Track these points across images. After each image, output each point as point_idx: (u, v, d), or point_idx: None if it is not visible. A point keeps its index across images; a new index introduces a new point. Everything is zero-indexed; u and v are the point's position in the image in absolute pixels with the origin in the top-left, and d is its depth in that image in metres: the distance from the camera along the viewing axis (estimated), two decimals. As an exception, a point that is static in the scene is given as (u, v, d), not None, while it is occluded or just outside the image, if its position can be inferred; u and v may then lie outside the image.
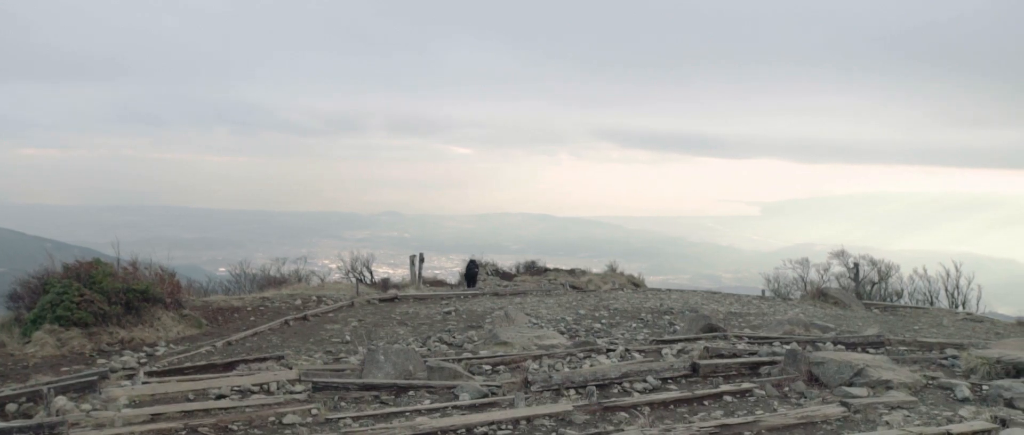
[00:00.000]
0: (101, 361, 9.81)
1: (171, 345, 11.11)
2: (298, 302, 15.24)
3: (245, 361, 9.38)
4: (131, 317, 11.52)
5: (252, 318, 13.66)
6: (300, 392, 7.53)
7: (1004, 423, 5.86)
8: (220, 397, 7.44)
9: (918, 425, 5.98)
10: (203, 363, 9.25)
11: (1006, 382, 7.26)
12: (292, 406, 6.86)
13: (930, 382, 7.60)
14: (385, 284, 23.13)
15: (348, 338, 11.71)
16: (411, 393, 7.45)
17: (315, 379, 7.68)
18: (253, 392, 7.63)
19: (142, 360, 9.97)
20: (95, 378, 7.86)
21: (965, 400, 6.91)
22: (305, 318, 13.46)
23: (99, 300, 11.06)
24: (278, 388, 7.72)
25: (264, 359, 9.54)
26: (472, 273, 21.14)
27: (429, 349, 10.66)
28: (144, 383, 7.90)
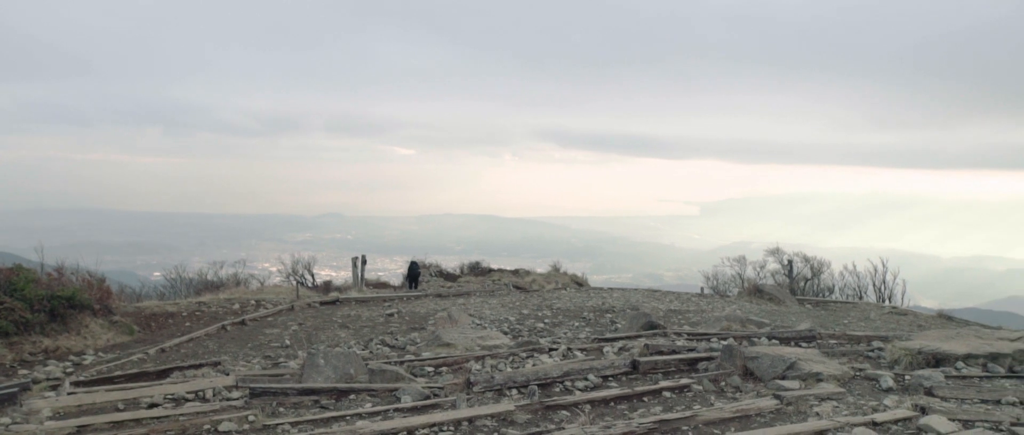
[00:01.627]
0: (23, 372, 9.37)
1: (100, 353, 10.70)
2: (236, 306, 14.88)
3: (179, 368, 9.10)
4: (56, 325, 11.04)
5: (188, 324, 13.28)
6: (237, 399, 7.35)
7: (924, 411, 6.14)
8: (152, 406, 7.19)
9: (846, 415, 6.20)
10: (135, 371, 8.94)
11: (926, 372, 7.61)
12: (228, 413, 6.68)
13: (857, 373, 7.90)
14: (327, 287, 22.79)
15: (288, 342, 11.49)
16: (352, 397, 7.35)
17: (253, 385, 7.50)
18: (188, 400, 7.41)
19: (68, 370, 9.57)
20: (16, 390, 7.50)
21: (889, 390, 7.21)
22: (243, 322, 13.15)
23: (21, 308, 10.56)
24: (214, 395, 7.51)
25: (200, 366, 9.28)
26: (414, 274, 21.25)
27: (371, 352, 10.55)
28: (70, 393, 7.58)
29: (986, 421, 5.80)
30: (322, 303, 15.97)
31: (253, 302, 15.42)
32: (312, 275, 25.98)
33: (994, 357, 8.11)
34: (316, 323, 13.32)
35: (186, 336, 11.73)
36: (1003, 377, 7.66)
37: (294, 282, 23.02)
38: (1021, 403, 6.56)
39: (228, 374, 8.58)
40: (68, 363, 9.95)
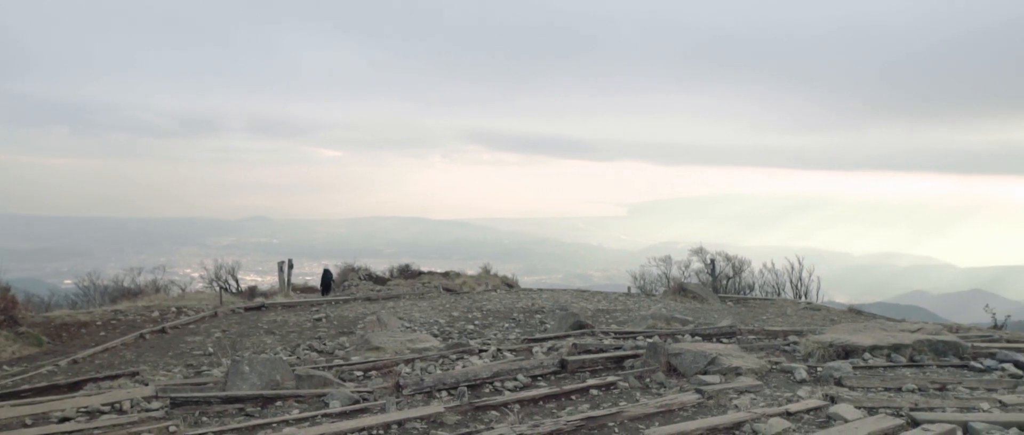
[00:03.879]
0: (-80, 388, 8.79)
1: (4, 367, 10.14)
2: (155, 314, 14.33)
3: (94, 380, 8.72)
4: (-44, 337, 10.40)
5: (103, 333, 12.71)
6: (157, 409, 7.10)
7: (833, 400, 6.50)
8: (64, 420, 6.86)
9: (763, 407, 6.50)
10: (44, 384, 8.50)
11: (836, 363, 8.04)
12: (147, 425, 6.45)
13: (774, 367, 8.27)
14: (252, 292, 22.25)
15: (211, 350, 11.16)
16: (278, 403, 7.22)
17: (173, 394, 7.27)
18: (103, 413, 7.11)
19: (-30, 384, 9.03)
20: (-88, 407, 7.05)
21: (803, 381, 7.57)
22: (163, 331, 12.69)
23: (-84, 320, 9.91)
24: (132, 406, 7.23)
25: (116, 376, 8.91)
26: (327, 282, 21.43)
27: (298, 357, 10.36)
28: (-27, 409, 7.16)
29: (888, 407, 6.18)
30: (247, 309, 15.55)
31: (174, 309, 14.89)
32: (236, 281, 25.28)
33: (896, 348, 8.63)
34: (241, 330, 12.98)
35: (101, 346, 11.24)
36: (904, 366, 8.17)
37: (217, 288, 22.34)
38: (920, 390, 7.02)
39: (147, 384, 8.28)
40: (-30, 378, 9.40)
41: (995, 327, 13.88)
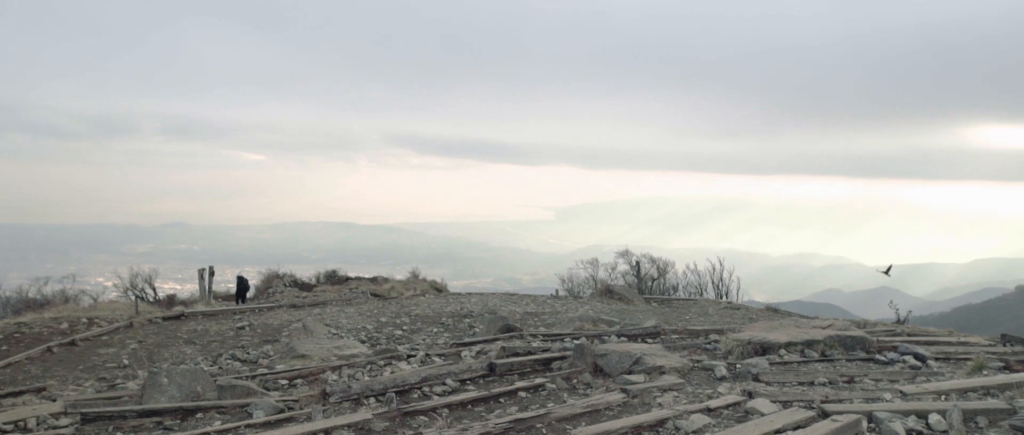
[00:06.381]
0: None
1: None
2: (64, 326, 13.61)
3: (-5, 397, 8.23)
4: None
5: (4, 347, 11.99)
6: (66, 426, 6.77)
7: (751, 395, 6.77)
8: (-37, 440, 6.48)
9: (685, 404, 6.71)
10: (-61, 403, 7.98)
11: (754, 360, 8.37)
12: (56, 442, 6.15)
13: (696, 365, 8.54)
14: (171, 301, 21.39)
15: (126, 362, 10.70)
16: (199, 415, 6.99)
17: (84, 410, 6.94)
18: (5, 431, 6.72)
19: None
20: None
21: (723, 378, 7.86)
22: (73, 343, 12.07)
23: None
24: (38, 424, 6.87)
25: (20, 393, 8.44)
26: (242, 289, 20.88)
27: (220, 367, 10.06)
28: None
29: (801, 400, 6.49)
30: (165, 318, 14.97)
31: (85, 320, 14.17)
32: (154, 289, 24.25)
33: (810, 344, 9.06)
34: (158, 340, 12.48)
35: (3, 361, 10.60)
36: (816, 361, 8.58)
37: (133, 297, 21.40)
38: (830, 383, 7.40)
39: (55, 400, 7.87)
40: None
41: (898, 322, 14.75)
